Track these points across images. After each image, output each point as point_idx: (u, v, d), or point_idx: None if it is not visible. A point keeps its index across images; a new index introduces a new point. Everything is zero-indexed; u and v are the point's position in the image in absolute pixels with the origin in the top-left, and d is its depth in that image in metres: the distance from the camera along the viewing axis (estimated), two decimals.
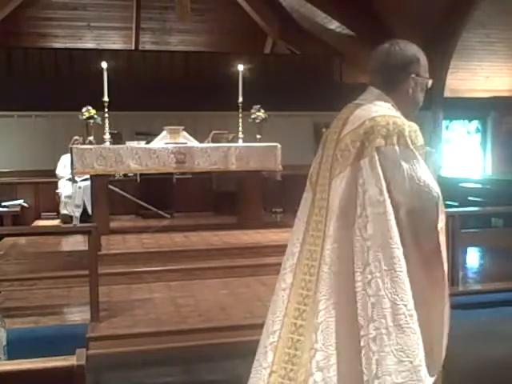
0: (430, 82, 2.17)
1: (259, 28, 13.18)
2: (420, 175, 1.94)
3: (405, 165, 1.94)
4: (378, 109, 2.04)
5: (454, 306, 2.31)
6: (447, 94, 11.59)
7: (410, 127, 2.00)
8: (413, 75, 2.10)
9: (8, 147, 9.85)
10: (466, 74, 11.84)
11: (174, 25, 12.52)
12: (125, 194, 8.85)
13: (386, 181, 1.93)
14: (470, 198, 9.42)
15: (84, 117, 7.06)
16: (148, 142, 7.57)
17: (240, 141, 7.39)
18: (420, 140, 2.00)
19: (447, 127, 12.33)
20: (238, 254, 6.14)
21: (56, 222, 8.50)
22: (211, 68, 11.14)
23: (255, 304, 4.84)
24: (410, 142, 1.96)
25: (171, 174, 8.37)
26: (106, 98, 6.79)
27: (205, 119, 10.13)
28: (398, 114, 2.06)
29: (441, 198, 1.99)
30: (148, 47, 12.88)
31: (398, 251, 1.91)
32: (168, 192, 8.89)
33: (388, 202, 1.92)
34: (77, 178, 7.72)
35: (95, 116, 7.04)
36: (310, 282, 2.02)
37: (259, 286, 5.43)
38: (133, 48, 12.67)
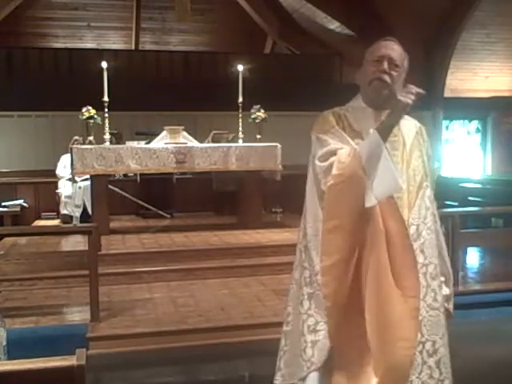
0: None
1: (259, 28, 13.17)
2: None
3: None
4: None
5: (454, 306, 2.32)
6: (447, 93, 11.58)
7: None
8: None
9: (8, 147, 9.85)
10: (466, 74, 11.83)
11: (174, 25, 12.51)
12: (125, 194, 8.84)
13: None
14: (470, 198, 9.42)
15: (84, 117, 7.05)
16: (148, 142, 7.56)
17: (240, 141, 7.39)
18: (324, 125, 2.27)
19: (447, 127, 12.32)
20: (237, 253, 6.14)
21: (56, 221, 8.50)
22: (211, 68, 11.14)
23: (255, 304, 4.85)
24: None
25: (171, 173, 8.36)
26: (106, 98, 6.78)
27: (205, 119, 10.13)
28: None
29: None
30: (148, 47, 12.87)
31: None
32: (168, 192, 8.89)
33: None
34: (77, 178, 7.71)
35: (95, 116, 7.04)
36: None
37: (259, 285, 5.43)
38: (133, 48, 12.66)
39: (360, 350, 2.11)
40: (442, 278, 2.32)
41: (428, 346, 2.18)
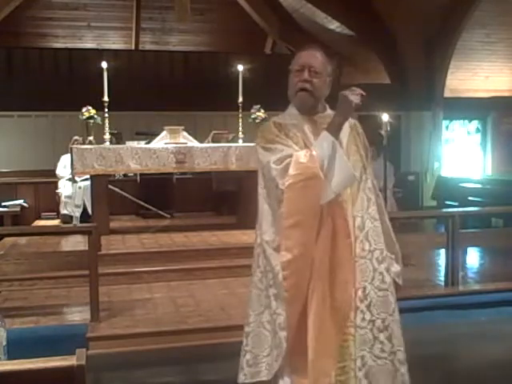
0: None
1: (259, 28, 13.17)
2: None
3: None
4: None
5: (454, 306, 2.33)
6: (447, 93, 11.59)
7: None
8: None
9: (8, 147, 9.86)
10: (466, 74, 11.84)
11: (174, 25, 12.50)
12: (125, 194, 8.84)
13: None
14: (470, 198, 9.43)
15: (84, 117, 7.04)
16: (148, 142, 7.56)
17: (240, 141, 7.38)
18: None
19: (447, 127, 12.32)
20: (237, 253, 6.13)
21: (56, 221, 8.51)
22: (211, 68, 11.14)
23: None
24: None
25: (171, 174, 8.37)
26: (106, 98, 6.78)
27: (205, 119, 10.13)
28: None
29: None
30: (148, 47, 12.87)
31: None
32: (168, 192, 8.89)
33: None
34: (77, 178, 7.72)
35: (95, 116, 7.03)
36: None
37: None
38: (133, 48, 12.66)
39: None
40: (393, 256, 2.49)
41: (378, 323, 2.31)
